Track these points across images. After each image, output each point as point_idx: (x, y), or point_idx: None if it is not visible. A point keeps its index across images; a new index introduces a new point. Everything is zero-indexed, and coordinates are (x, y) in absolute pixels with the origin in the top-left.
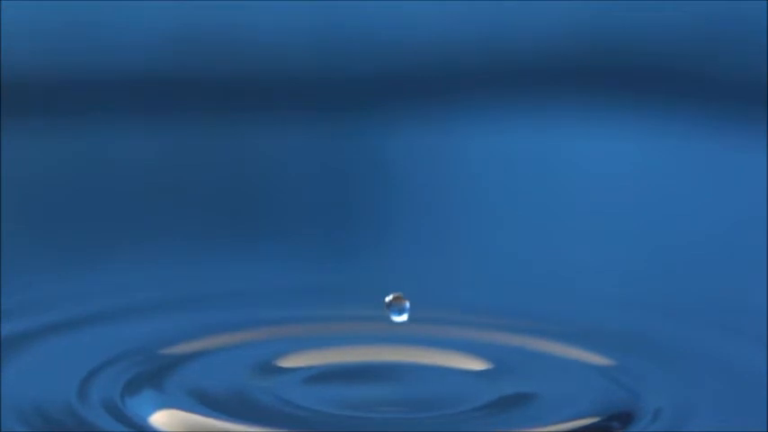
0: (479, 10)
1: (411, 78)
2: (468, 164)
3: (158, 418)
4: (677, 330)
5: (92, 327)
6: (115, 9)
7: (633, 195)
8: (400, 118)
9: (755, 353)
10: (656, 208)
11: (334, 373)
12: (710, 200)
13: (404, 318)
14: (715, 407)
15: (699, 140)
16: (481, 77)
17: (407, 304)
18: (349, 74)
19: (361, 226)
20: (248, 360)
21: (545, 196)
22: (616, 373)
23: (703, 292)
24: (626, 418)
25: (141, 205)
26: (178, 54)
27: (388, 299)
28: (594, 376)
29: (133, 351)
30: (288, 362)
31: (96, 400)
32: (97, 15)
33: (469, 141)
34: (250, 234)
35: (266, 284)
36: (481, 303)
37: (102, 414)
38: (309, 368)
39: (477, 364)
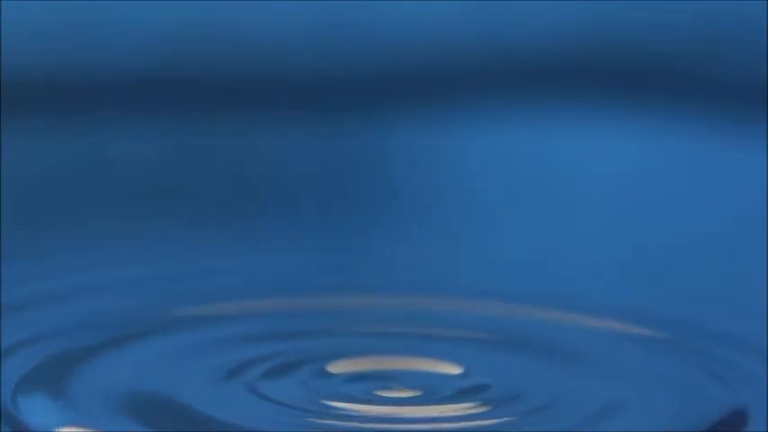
0: (479, 10)
1: (411, 78)
2: (468, 164)
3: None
4: (679, 328)
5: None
6: (115, 9)
7: (633, 195)
8: (400, 118)
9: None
10: (657, 208)
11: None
12: (710, 200)
13: None
14: None
15: (699, 140)
16: (481, 77)
17: None
18: (349, 74)
19: (361, 226)
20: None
21: (545, 196)
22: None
23: (702, 292)
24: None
25: (141, 205)
26: (178, 54)
27: None
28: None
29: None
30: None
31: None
32: (97, 15)
33: (469, 141)
34: (250, 234)
35: (266, 284)
36: (481, 303)
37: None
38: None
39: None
